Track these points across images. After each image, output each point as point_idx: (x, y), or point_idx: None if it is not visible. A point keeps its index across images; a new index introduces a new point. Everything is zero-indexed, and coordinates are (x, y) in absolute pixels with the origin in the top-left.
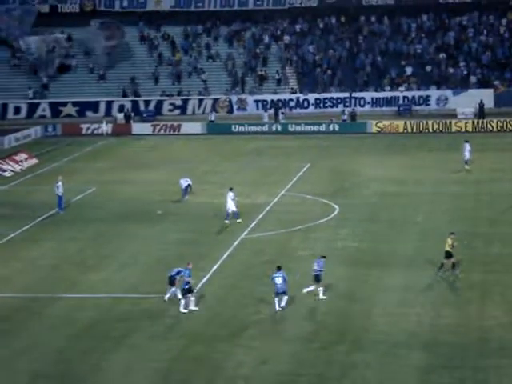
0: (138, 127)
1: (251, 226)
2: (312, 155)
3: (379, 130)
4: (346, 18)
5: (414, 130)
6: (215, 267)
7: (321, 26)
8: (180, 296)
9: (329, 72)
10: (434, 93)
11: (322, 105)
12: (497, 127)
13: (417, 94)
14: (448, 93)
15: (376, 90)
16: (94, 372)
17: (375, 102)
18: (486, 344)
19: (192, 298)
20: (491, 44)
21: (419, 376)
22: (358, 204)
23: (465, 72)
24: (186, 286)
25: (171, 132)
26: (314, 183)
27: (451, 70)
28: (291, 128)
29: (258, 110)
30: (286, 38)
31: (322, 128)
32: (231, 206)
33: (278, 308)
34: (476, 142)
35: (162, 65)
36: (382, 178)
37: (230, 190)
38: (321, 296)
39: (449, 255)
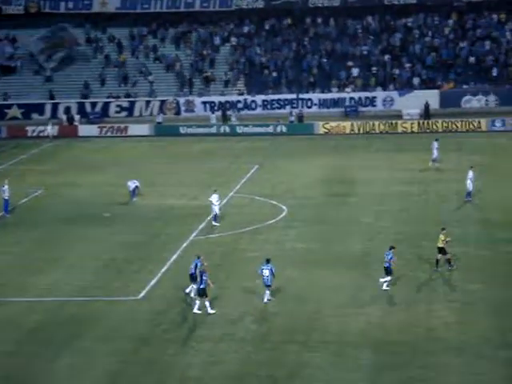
0: (84, 129)
1: (200, 227)
2: (260, 156)
3: (326, 131)
4: (293, 20)
5: (361, 131)
6: (164, 269)
7: (267, 27)
8: (194, 296)
9: (276, 73)
10: (379, 94)
11: (269, 106)
12: (442, 127)
13: (363, 95)
14: (394, 94)
15: (323, 92)
16: (42, 376)
17: (322, 104)
18: (434, 343)
19: (207, 303)
20: (436, 45)
21: (368, 375)
22: (306, 205)
23: (409, 73)
24: (202, 286)
25: (118, 134)
26: (262, 184)
27: (396, 71)
28: (239, 129)
29: (205, 111)
30: (233, 40)
31: (270, 129)
32: (216, 209)
33: (266, 300)
34: (421, 143)
35: (109, 66)
36: (330, 179)
37: (214, 191)
38: (384, 287)
39: (442, 251)
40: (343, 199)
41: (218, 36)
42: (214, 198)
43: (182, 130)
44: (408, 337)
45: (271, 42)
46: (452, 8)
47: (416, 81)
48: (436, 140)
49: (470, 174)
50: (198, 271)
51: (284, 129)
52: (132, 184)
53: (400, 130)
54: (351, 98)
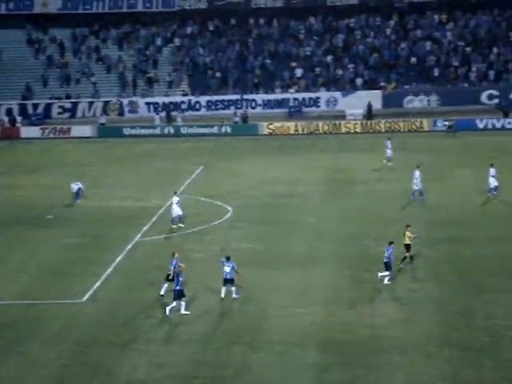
0: (26, 131)
1: (144, 229)
2: (205, 157)
3: (271, 131)
4: (236, 21)
5: (305, 132)
6: (108, 271)
7: (211, 28)
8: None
9: (220, 74)
10: (323, 94)
11: (213, 107)
12: (385, 128)
13: (307, 95)
14: (337, 94)
15: (267, 92)
16: None
17: (266, 104)
18: (378, 342)
19: (182, 303)
20: (378, 46)
21: (314, 375)
22: (251, 205)
23: (352, 74)
24: (178, 287)
25: (61, 135)
26: (207, 185)
27: (339, 72)
28: (183, 130)
29: (149, 112)
30: (177, 41)
31: (215, 130)
32: (177, 210)
33: (222, 296)
34: (364, 143)
35: (51, 68)
36: (275, 179)
37: (175, 193)
38: (385, 281)
39: (408, 248)
40: (287, 199)
41: (160, 37)
42: (175, 200)
43: (126, 131)
44: (352, 336)
45: (215, 42)
46: (393, 9)
47: (359, 81)
48: (388, 139)
49: (417, 173)
50: (173, 271)
51: (228, 129)
52: (75, 186)
53: (343, 130)
54: (295, 99)
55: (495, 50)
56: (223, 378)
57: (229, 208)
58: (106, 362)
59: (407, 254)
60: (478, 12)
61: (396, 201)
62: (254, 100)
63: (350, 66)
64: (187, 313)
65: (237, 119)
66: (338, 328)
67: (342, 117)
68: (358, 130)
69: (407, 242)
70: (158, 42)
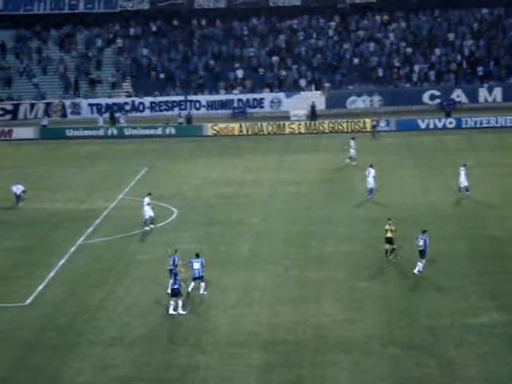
0: None
1: (88, 231)
2: (149, 159)
3: (215, 132)
4: (179, 22)
5: (250, 133)
6: (51, 274)
7: (154, 29)
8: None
9: (164, 75)
10: (267, 95)
11: (157, 108)
12: (328, 128)
13: (251, 96)
14: (281, 95)
15: (211, 93)
16: None
17: (210, 105)
18: (323, 341)
19: (179, 302)
20: (321, 47)
21: (259, 375)
22: (197, 206)
23: (296, 75)
24: (176, 286)
25: (2, 137)
26: (151, 187)
27: (283, 73)
28: (127, 132)
29: (92, 113)
30: (119, 42)
31: (159, 131)
32: (149, 212)
33: (189, 290)
34: (309, 143)
35: None
36: (219, 180)
37: (148, 195)
38: (416, 270)
39: (390, 241)
40: (232, 200)
41: (103, 38)
42: (146, 201)
43: (69, 133)
44: (297, 336)
45: (158, 43)
46: (335, 10)
47: (302, 82)
48: (352, 139)
49: (372, 171)
50: (181, 263)
51: (173, 131)
52: (17, 189)
53: (287, 131)
54: (239, 100)
55: (436, 50)
56: (168, 380)
57: (174, 209)
58: (50, 366)
59: (387, 247)
60: (419, 13)
61: (341, 200)
62: (198, 101)
63: (294, 66)
64: (184, 312)
65: (181, 120)
66: (282, 328)
67: (286, 118)
68: (302, 130)
69: (389, 235)
70: (100, 43)
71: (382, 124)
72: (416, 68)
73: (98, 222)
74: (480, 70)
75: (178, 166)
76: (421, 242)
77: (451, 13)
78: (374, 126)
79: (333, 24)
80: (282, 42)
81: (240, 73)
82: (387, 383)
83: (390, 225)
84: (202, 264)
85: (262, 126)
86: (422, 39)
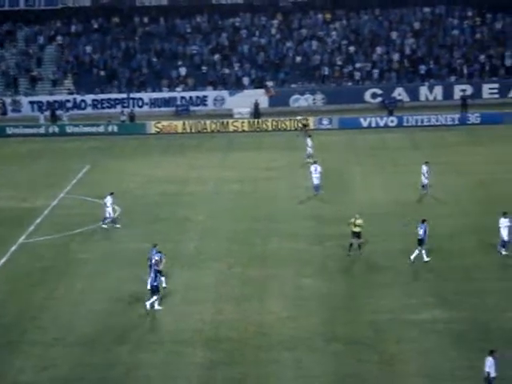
0: None
1: (29, 230)
2: (91, 157)
3: (158, 130)
4: (121, 19)
5: (193, 130)
6: None
7: (95, 26)
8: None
9: (106, 73)
10: (210, 93)
11: (99, 106)
12: (272, 126)
13: (194, 94)
14: (224, 93)
15: (154, 91)
16: None
17: (153, 103)
18: (266, 338)
19: (155, 297)
20: (264, 45)
21: (202, 372)
22: (140, 204)
23: (239, 73)
24: (156, 283)
25: None
26: (94, 185)
27: (226, 71)
28: (69, 129)
29: (33, 111)
30: (61, 39)
31: (101, 129)
32: (110, 211)
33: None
34: (252, 141)
35: None
36: (163, 178)
37: (111, 194)
38: (425, 258)
39: (358, 235)
40: (176, 198)
41: (44, 35)
42: (109, 201)
43: (9, 131)
44: (240, 333)
45: (100, 40)
46: (278, 8)
47: (246, 80)
48: (309, 136)
49: (319, 168)
50: (158, 259)
51: (115, 128)
52: None
53: (231, 128)
54: (182, 98)
55: (378, 49)
56: (111, 379)
57: (117, 207)
58: None
59: (353, 241)
60: (360, 12)
61: (285, 198)
62: (140, 99)
63: (237, 64)
64: (160, 308)
65: (124, 118)
66: (226, 325)
67: (230, 115)
68: (246, 128)
69: (357, 230)
70: (41, 40)
71: (325, 122)
72: (358, 66)
73: (39, 220)
74: (421, 68)
75: (121, 163)
76: (420, 231)
77: (392, 11)
78: (304, 125)
79: (275, 22)
80: (225, 40)
81: (183, 70)
82: (329, 379)
83: (356, 219)
84: (160, 258)
85: (205, 123)
86: (363, 38)
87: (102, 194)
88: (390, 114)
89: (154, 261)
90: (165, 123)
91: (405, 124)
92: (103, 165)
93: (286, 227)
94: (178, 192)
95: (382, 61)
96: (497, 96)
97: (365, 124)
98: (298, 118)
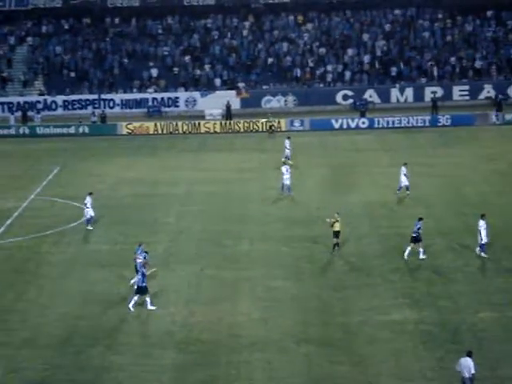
0: None
1: (0, 231)
2: (62, 158)
3: (130, 131)
4: (92, 20)
5: (165, 132)
6: None
7: (66, 27)
8: (135, 293)
9: (77, 74)
10: (182, 94)
11: (70, 107)
12: (243, 128)
13: (166, 95)
14: (196, 94)
15: (125, 92)
16: None
17: (125, 104)
18: (238, 340)
19: (147, 299)
20: (235, 46)
21: (173, 374)
22: (111, 206)
23: (211, 74)
24: (144, 284)
25: None
26: (64, 186)
27: (198, 72)
28: (40, 131)
29: (3, 112)
30: (31, 40)
31: (72, 130)
32: (90, 211)
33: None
34: (224, 143)
35: None
36: (135, 180)
37: (89, 194)
38: (421, 256)
39: (337, 235)
40: (148, 199)
41: (14, 35)
42: (89, 201)
43: None
44: (212, 335)
45: (71, 41)
46: (249, 9)
47: (217, 82)
48: (288, 138)
49: (284, 168)
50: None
51: (86, 129)
52: None
53: (203, 130)
54: (154, 99)
55: (349, 51)
56: (81, 382)
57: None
58: None
59: (335, 241)
60: (331, 13)
61: (257, 199)
62: (112, 100)
63: (208, 66)
64: (154, 308)
65: (95, 119)
66: (198, 327)
67: (202, 117)
68: (218, 129)
69: (337, 229)
70: (12, 40)
71: (297, 124)
72: (329, 68)
73: (9, 222)
74: (392, 70)
75: (92, 165)
76: (415, 228)
77: (363, 13)
78: (270, 127)
79: (247, 24)
80: (197, 41)
81: (154, 71)
82: (300, 381)
83: (336, 218)
84: (144, 257)
85: (177, 125)
86: (335, 40)
87: (73, 195)
88: (362, 115)
89: (138, 261)
90: (136, 124)
91: (376, 126)
92: (74, 166)
93: (258, 229)
94: (149, 193)
95: (353, 63)
96: (467, 98)
97: (336, 125)
98: (263, 120)
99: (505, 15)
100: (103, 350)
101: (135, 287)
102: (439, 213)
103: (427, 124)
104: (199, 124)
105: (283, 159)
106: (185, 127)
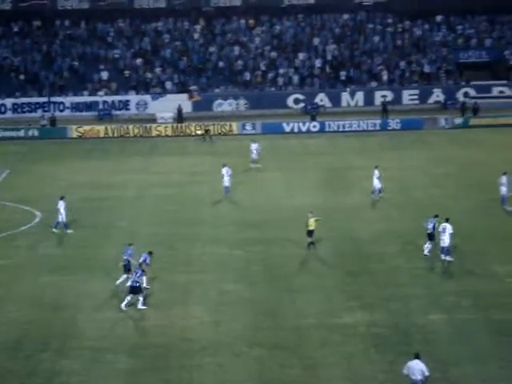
0: None
1: None
2: (11, 161)
3: (80, 134)
4: (42, 22)
5: (116, 135)
6: None
7: (15, 29)
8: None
9: (26, 76)
10: (133, 98)
11: (20, 110)
12: (195, 131)
13: (116, 98)
14: (147, 98)
15: (75, 95)
16: None
17: (75, 107)
18: (190, 344)
19: (140, 298)
20: (186, 50)
21: (125, 379)
22: None
23: (162, 77)
24: (137, 284)
25: None
26: (13, 190)
27: (149, 75)
28: None
29: None
30: None
31: (21, 133)
32: (63, 216)
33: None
34: (176, 146)
35: None
36: (86, 183)
37: (61, 199)
38: (426, 252)
39: (311, 233)
40: (99, 203)
41: None
42: (62, 206)
43: None
44: (164, 339)
45: (20, 44)
46: (200, 13)
47: (169, 85)
48: (254, 141)
49: (230, 171)
50: (132, 262)
51: (36, 133)
52: None
53: (154, 133)
54: (104, 102)
55: (300, 55)
56: None
57: (37, 213)
58: None
59: (311, 240)
60: (283, 17)
61: (208, 202)
62: (62, 103)
63: (160, 69)
64: (144, 308)
65: (44, 122)
66: (150, 331)
67: (153, 120)
68: (169, 133)
69: (311, 227)
70: None
71: (248, 127)
72: (281, 72)
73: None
74: (343, 74)
75: (42, 168)
76: (430, 225)
77: (314, 18)
78: (206, 131)
79: (198, 27)
80: (148, 44)
81: (105, 74)
82: None
83: (309, 218)
84: (144, 260)
85: (128, 128)
86: (286, 43)
87: (23, 198)
88: (312, 119)
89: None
90: (86, 127)
91: (327, 129)
92: (24, 169)
93: (209, 232)
94: (100, 197)
95: (305, 66)
96: (417, 102)
97: (287, 129)
98: (201, 124)
99: (453, 20)
100: (54, 354)
101: (129, 287)
102: (390, 216)
103: (378, 128)
104: (150, 127)
105: (251, 164)
106: (136, 130)
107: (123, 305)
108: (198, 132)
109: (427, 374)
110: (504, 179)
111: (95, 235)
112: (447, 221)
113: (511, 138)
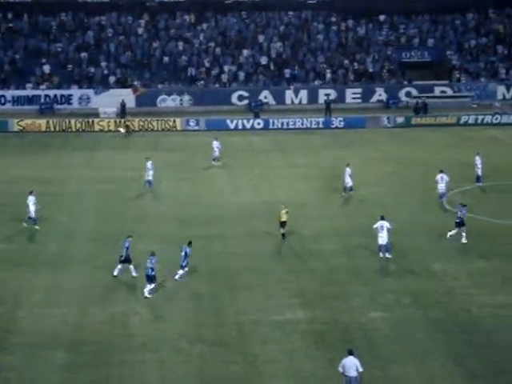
0: None
1: None
2: None
3: (21, 128)
4: None
5: (57, 129)
6: None
7: None
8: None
9: None
10: (75, 92)
11: None
12: (138, 126)
13: (58, 92)
14: (90, 92)
15: (17, 88)
16: None
17: (16, 101)
18: (131, 340)
19: (150, 286)
20: (130, 44)
21: (64, 375)
22: (5, 204)
23: (105, 71)
24: (153, 273)
25: None
26: None
27: (92, 70)
28: None
29: None
30: None
31: None
32: (33, 210)
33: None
34: (119, 141)
35: None
36: (26, 178)
37: (30, 193)
38: (463, 240)
39: (284, 225)
40: (39, 198)
41: None
42: (31, 201)
43: None
44: (106, 335)
45: None
46: (144, 8)
47: (112, 79)
48: (215, 139)
49: (148, 164)
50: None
51: None
52: None
53: (97, 128)
54: (46, 96)
55: (245, 51)
56: None
57: None
58: None
59: (284, 231)
60: (227, 14)
61: (151, 198)
62: (3, 96)
63: (103, 63)
64: (149, 296)
65: None
66: (90, 327)
67: (96, 115)
68: (112, 128)
69: (284, 219)
70: None
71: (192, 123)
72: (225, 68)
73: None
74: (287, 72)
75: None
76: (459, 214)
77: (258, 15)
78: (127, 126)
79: (142, 22)
80: (91, 39)
81: (47, 68)
82: (194, 381)
83: (282, 209)
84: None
85: (70, 122)
86: (230, 40)
87: None
88: (256, 116)
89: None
90: (28, 121)
91: (271, 127)
92: None
93: (152, 228)
94: (41, 192)
95: (249, 63)
96: (359, 101)
97: (231, 126)
98: (123, 119)
99: (397, 19)
100: None
101: (145, 276)
102: (330, 213)
103: (321, 126)
104: (93, 122)
105: (212, 161)
106: (78, 125)
107: (146, 293)
108: (120, 129)
109: (361, 369)
110: (439, 177)
111: (37, 230)
112: (383, 218)
113: (451, 137)
